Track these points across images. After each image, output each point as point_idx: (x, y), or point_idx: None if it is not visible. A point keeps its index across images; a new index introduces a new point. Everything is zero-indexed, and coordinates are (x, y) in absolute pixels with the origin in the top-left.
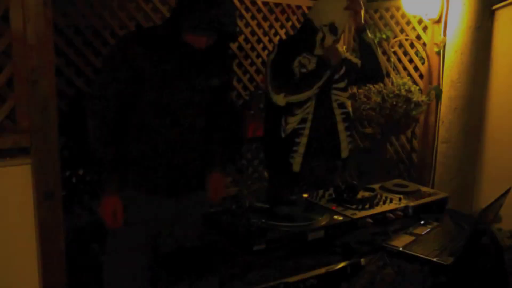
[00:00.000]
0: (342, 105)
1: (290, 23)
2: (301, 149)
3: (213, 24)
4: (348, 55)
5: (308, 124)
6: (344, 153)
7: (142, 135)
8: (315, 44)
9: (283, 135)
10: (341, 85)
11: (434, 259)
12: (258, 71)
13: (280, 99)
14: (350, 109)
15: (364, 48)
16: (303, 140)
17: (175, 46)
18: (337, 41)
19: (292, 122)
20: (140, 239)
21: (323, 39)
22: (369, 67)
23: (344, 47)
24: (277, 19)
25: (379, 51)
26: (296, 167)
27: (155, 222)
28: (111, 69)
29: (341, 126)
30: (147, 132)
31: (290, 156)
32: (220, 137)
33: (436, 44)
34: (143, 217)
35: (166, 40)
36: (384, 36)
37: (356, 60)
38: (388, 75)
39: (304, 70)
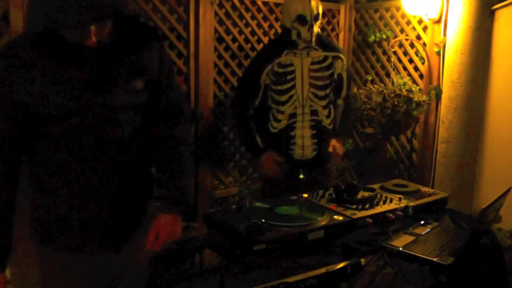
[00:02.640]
0: (314, 112)
1: None
2: (299, 141)
3: (87, 7)
4: (345, 71)
5: (300, 118)
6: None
7: (47, 177)
8: (296, 42)
9: (274, 131)
10: (320, 93)
11: (434, 259)
12: None
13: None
14: (324, 119)
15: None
16: (298, 132)
17: (61, 49)
18: (311, 27)
19: (283, 119)
20: None
21: (299, 34)
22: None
23: (345, 60)
24: (277, 19)
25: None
26: (298, 157)
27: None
28: None
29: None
30: (53, 173)
31: (289, 148)
32: (163, 161)
33: (436, 44)
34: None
35: (45, 44)
36: (384, 36)
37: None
38: (389, 75)
39: (276, 80)
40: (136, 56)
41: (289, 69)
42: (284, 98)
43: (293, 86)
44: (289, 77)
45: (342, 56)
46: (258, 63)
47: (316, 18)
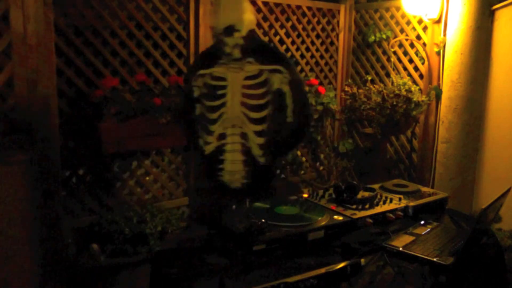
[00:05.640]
0: (243, 136)
1: (290, 23)
2: (229, 166)
3: None
4: (286, 84)
5: (229, 139)
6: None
7: None
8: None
9: (205, 152)
10: (253, 114)
11: (434, 259)
12: None
13: None
14: (255, 147)
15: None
16: (228, 156)
17: None
18: (240, 37)
19: (212, 141)
20: None
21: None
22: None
23: (288, 72)
24: (277, 19)
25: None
26: (228, 183)
27: None
28: None
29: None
30: None
31: (217, 175)
32: None
33: (436, 44)
34: None
35: None
36: (384, 36)
37: (288, 101)
38: (388, 75)
39: (206, 91)
40: None
41: (221, 83)
42: (214, 116)
43: (224, 104)
44: (219, 93)
45: (281, 68)
46: (189, 70)
47: (244, 28)
